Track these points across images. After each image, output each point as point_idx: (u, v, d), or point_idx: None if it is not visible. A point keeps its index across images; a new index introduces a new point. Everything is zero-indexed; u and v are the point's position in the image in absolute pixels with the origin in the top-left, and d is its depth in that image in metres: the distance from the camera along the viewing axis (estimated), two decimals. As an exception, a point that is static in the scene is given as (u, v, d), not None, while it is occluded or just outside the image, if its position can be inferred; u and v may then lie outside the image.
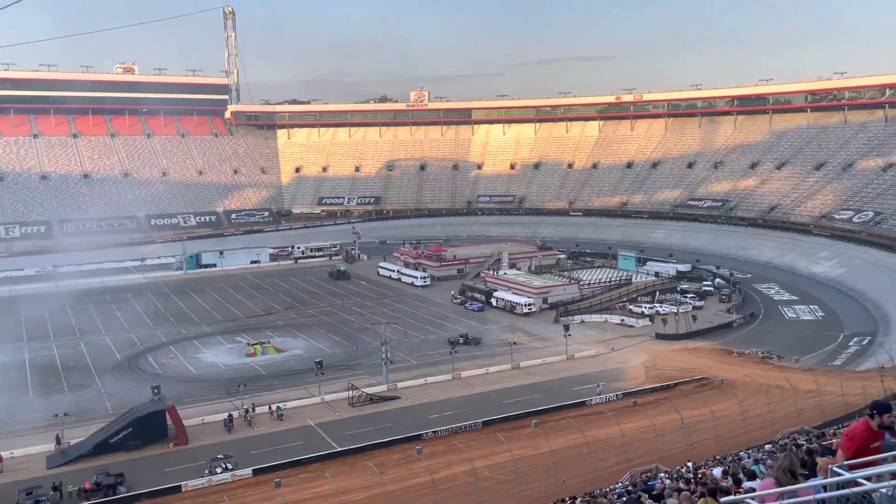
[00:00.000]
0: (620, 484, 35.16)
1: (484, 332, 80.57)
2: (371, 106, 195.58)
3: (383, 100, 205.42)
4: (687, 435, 46.05)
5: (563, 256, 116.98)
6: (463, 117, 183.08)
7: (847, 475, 7.32)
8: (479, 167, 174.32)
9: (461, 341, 75.19)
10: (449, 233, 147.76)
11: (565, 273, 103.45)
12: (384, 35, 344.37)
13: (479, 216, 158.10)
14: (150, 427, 51.68)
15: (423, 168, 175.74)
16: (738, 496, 8.95)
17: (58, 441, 51.24)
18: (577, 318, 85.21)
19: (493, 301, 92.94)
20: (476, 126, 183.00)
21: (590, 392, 59.44)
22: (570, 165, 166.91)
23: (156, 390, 57.19)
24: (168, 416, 52.46)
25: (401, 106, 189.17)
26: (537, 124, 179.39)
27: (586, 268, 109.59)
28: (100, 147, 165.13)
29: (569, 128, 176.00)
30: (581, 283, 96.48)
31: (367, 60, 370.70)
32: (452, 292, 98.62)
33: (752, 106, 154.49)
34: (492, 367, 67.54)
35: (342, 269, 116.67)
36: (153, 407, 53.36)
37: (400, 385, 62.90)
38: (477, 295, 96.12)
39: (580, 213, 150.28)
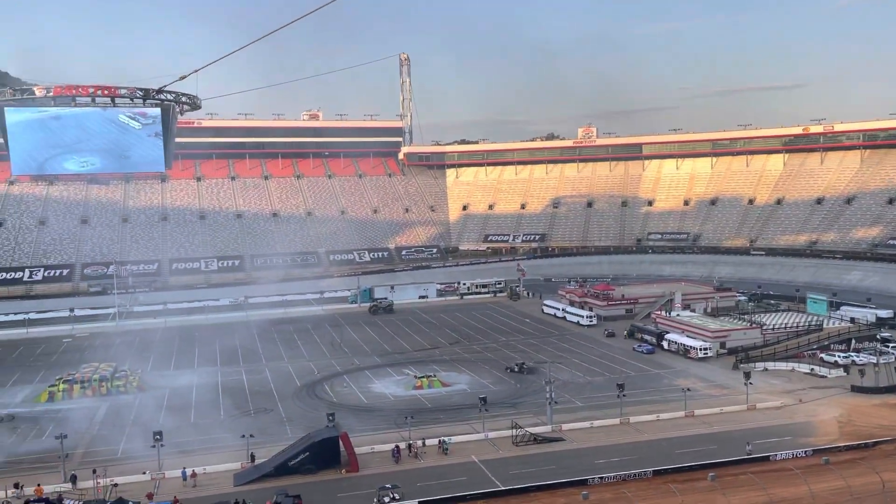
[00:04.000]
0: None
1: (655, 377, 77.16)
2: (537, 144, 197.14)
3: (550, 137, 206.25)
4: (888, 501, 40.91)
5: (743, 298, 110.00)
6: (632, 152, 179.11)
7: None
8: (650, 203, 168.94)
9: (516, 369, 78.82)
10: (616, 271, 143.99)
11: (746, 316, 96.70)
12: (554, 75, 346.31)
13: (649, 254, 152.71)
14: (324, 452, 54.33)
15: (589, 205, 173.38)
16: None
17: (252, 459, 55.29)
18: (760, 365, 79.29)
19: (665, 344, 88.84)
20: (647, 161, 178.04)
21: (775, 446, 54.65)
22: (750, 201, 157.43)
23: (331, 417, 59.94)
24: (341, 443, 54.84)
25: (567, 143, 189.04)
26: (714, 158, 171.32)
27: (770, 311, 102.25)
28: (287, 188, 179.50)
29: (749, 161, 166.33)
30: (764, 327, 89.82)
31: (535, 100, 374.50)
32: (620, 332, 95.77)
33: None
34: (663, 414, 64.21)
35: (384, 304, 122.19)
36: (328, 433, 56.05)
37: (564, 427, 61.44)
38: (647, 337, 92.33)
39: (763, 252, 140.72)
